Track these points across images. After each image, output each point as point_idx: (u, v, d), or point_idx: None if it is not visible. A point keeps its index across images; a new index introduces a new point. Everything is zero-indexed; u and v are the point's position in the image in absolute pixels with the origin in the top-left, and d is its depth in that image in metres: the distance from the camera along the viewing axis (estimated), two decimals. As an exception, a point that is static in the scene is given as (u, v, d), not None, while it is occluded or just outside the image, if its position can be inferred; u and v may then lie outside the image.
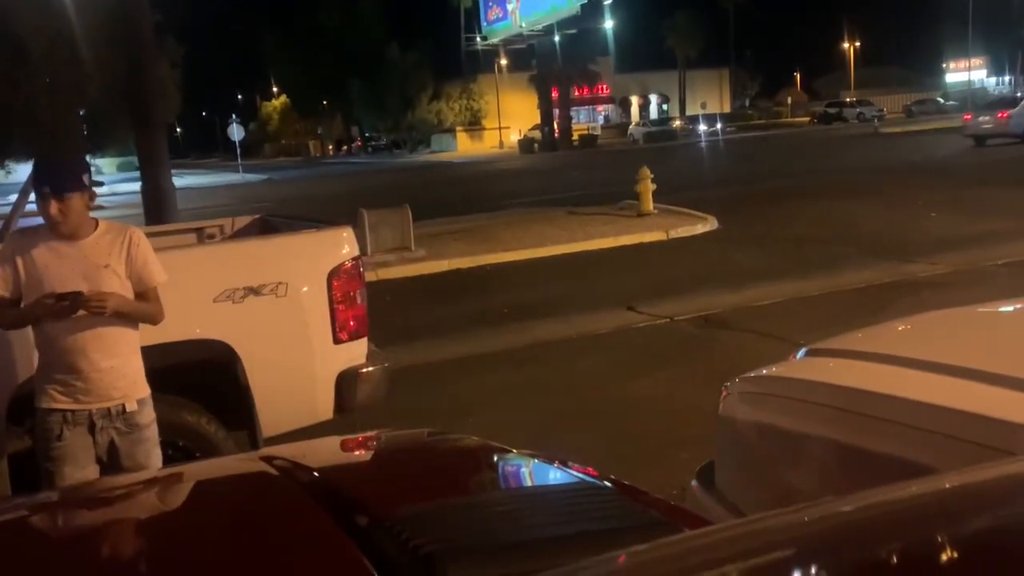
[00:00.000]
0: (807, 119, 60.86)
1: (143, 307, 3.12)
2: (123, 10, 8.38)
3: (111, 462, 3.10)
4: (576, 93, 58.43)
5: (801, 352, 2.74)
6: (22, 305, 3.01)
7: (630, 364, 6.60)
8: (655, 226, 13.48)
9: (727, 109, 70.42)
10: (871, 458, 2.02)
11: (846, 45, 76.39)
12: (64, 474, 3.02)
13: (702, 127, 55.01)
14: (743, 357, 5.69)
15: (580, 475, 1.84)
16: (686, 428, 4.73)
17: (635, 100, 71.86)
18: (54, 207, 2.91)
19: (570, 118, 54.04)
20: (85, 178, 2.98)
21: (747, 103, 76.98)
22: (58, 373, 3.05)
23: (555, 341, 7.40)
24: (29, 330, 3.12)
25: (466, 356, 7.12)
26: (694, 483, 2.84)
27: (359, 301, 4.02)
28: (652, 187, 14.59)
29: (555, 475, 1.91)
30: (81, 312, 2.94)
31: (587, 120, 62.03)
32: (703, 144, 44.64)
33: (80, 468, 3.04)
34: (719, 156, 35.50)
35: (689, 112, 66.12)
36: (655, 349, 7.00)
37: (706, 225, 13.46)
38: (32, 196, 3.19)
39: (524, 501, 1.76)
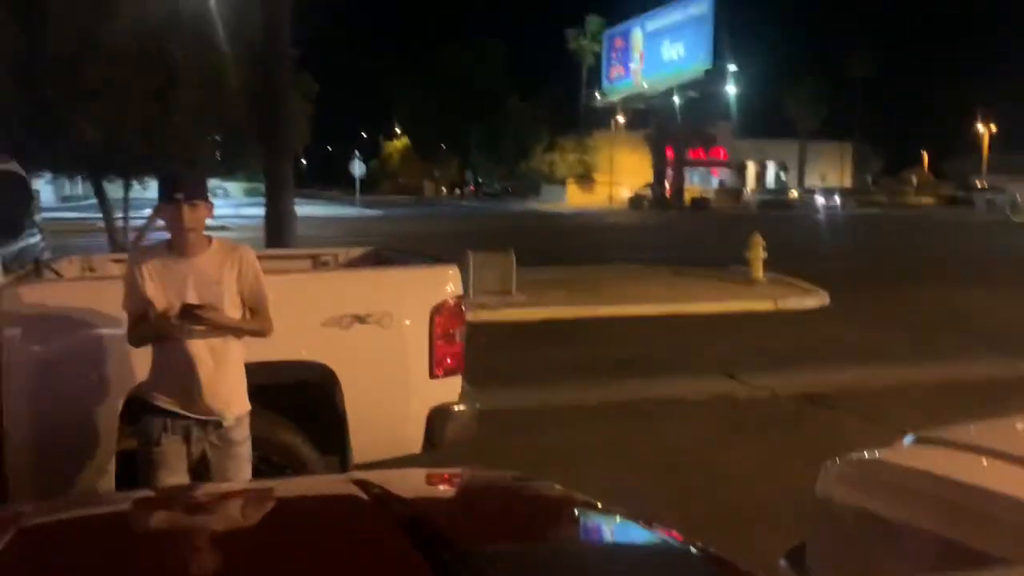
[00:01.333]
0: (933, 200, 58.52)
1: (251, 322, 3.24)
2: (266, 45, 8.90)
3: (202, 474, 3.20)
4: (691, 155, 58.18)
5: (909, 439, 2.63)
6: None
7: (725, 433, 6.42)
8: (763, 295, 13.17)
9: (848, 183, 68.55)
10: (972, 555, 1.91)
11: (980, 128, 73.42)
12: (157, 478, 3.14)
13: (820, 199, 53.61)
14: (844, 438, 5.46)
15: (663, 535, 1.80)
16: (777, 505, 4.55)
17: (752, 166, 70.89)
18: (186, 213, 3.05)
19: (683, 179, 53.79)
20: (207, 190, 3.16)
21: (870, 179, 74.71)
22: (165, 381, 3.19)
23: (650, 400, 7.28)
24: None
25: (557, 406, 7.08)
26: (783, 562, 2.73)
27: (458, 339, 4.07)
28: (763, 255, 14.30)
29: (636, 532, 1.87)
30: (197, 328, 3.08)
31: (701, 183, 61.56)
32: (820, 217, 43.48)
33: (173, 474, 3.15)
34: (836, 230, 34.48)
35: (807, 183, 64.70)
36: (753, 420, 6.80)
37: (817, 299, 13.05)
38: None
39: (605, 555, 1.73)
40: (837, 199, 53.46)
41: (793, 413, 7.04)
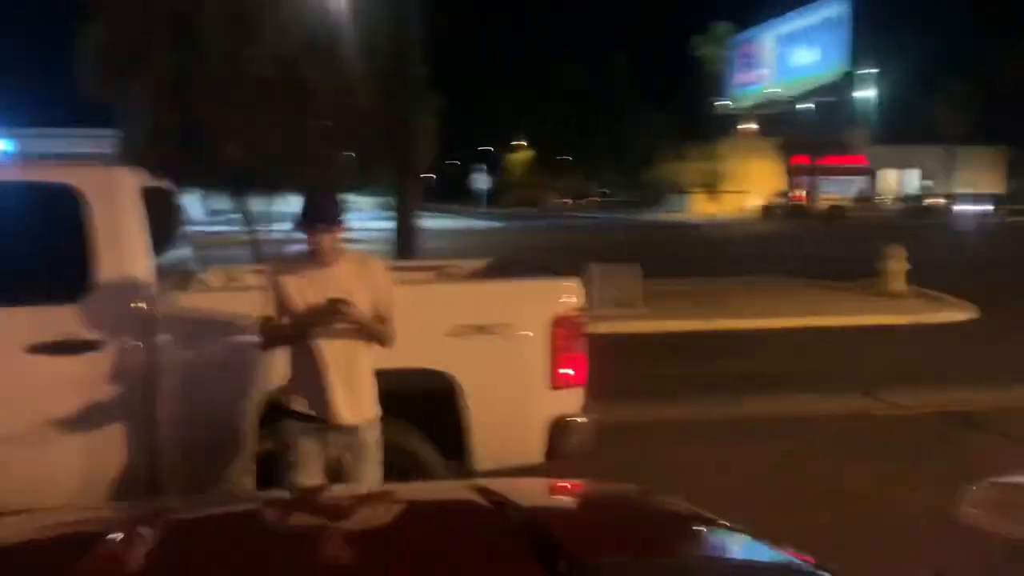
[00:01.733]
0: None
1: (380, 327, 3.38)
2: (396, 66, 9.23)
3: (335, 476, 3.35)
4: (826, 162, 55.98)
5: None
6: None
7: (859, 453, 6.13)
8: (904, 308, 12.52)
9: (999, 190, 64.13)
10: None
11: None
12: (295, 479, 3.31)
13: (968, 208, 50.40)
14: (991, 461, 5.08)
15: (789, 557, 1.74)
16: (914, 530, 4.31)
17: (892, 173, 67.43)
18: (327, 238, 3.26)
19: (817, 187, 51.82)
20: (342, 214, 3.33)
21: (1025, 186, 69.62)
22: (303, 385, 3.36)
23: (779, 417, 7.04)
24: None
25: (680, 420, 6.96)
26: (921, 591, 2.59)
27: (579, 351, 4.09)
28: (904, 266, 13.59)
29: (761, 552, 1.83)
30: (337, 320, 3.23)
31: (837, 191, 59.14)
32: (968, 226, 40.90)
33: (309, 476, 3.31)
34: (986, 240, 32.37)
35: (953, 191, 60.93)
36: (889, 440, 6.46)
37: (964, 312, 12.29)
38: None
39: (727, 572, 1.70)
40: (989, 207, 50.11)
41: (933, 433, 6.66)
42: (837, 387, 8.04)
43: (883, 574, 3.74)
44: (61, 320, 3.60)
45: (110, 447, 3.65)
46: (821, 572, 1.64)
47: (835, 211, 49.48)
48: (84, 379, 3.61)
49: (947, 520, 2.55)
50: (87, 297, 3.66)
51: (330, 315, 3.23)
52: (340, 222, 3.28)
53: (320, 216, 3.25)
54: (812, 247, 26.96)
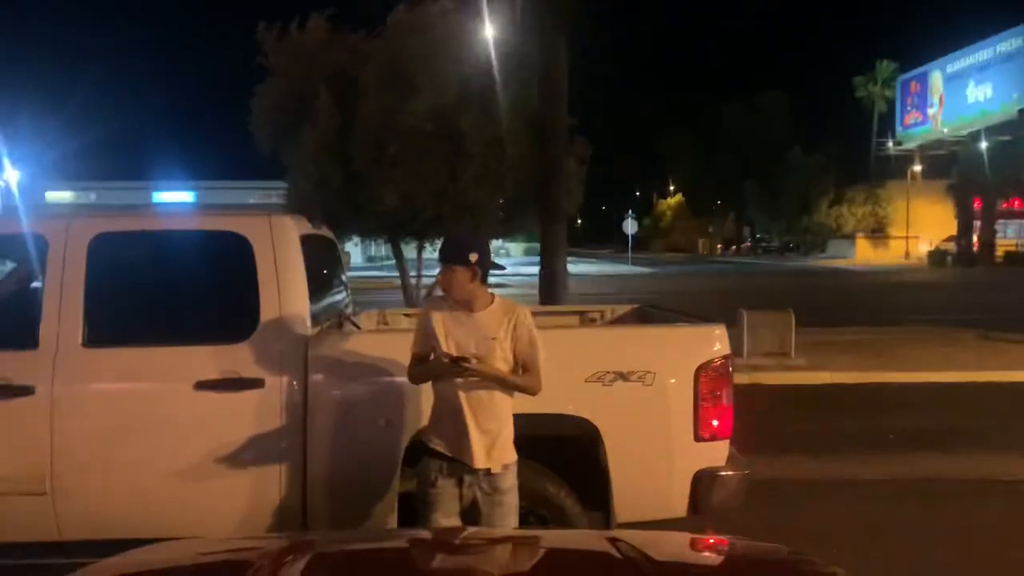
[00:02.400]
0: None
1: (521, 379, 3.40)
2: (543, 115, 9.40)
3: (470, 519, 3.37)
4: (1004, 205, 52.01)
5: None
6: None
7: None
8: (1094, 364, 11.35)
9: None
10: None
11: None
12: (432, 519, 3.35)
13: None
14: None
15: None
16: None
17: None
18: (443, 275, 3.37)
19: (994, 232, 48.19)
20: (472, 256, 3.34)
21: None
22: (444, 427, 3.42)
23: (949, 480, 6.50)
24: (429, 385, 3.56)
25: (837, 479, 6.55)
26: None
27: (725, 401, 3.95)
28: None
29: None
30: (463, 377, 3.29)
31: (1016, 235, 54.75)
32: None
33: (446, 516, 3.34)
34: None
35: None
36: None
37: None
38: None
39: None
40: None
41: None
42: (1015, 448, 7.34)
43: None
44: (226, 359, 3.85)
45: (266, 481, 3.84)
46: None
47: (1014, 257, 45.75)
48: (244, 415, 3.83)
49: None
50: (250, 337, 3.90)
51: (454, 371, 3.28)
52: (458, 262, 3.32)
53: (446, 254, 3.35)
54: (985, 295, 25.00)
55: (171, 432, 3.86)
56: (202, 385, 3.81)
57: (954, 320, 16.51)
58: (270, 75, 10.04)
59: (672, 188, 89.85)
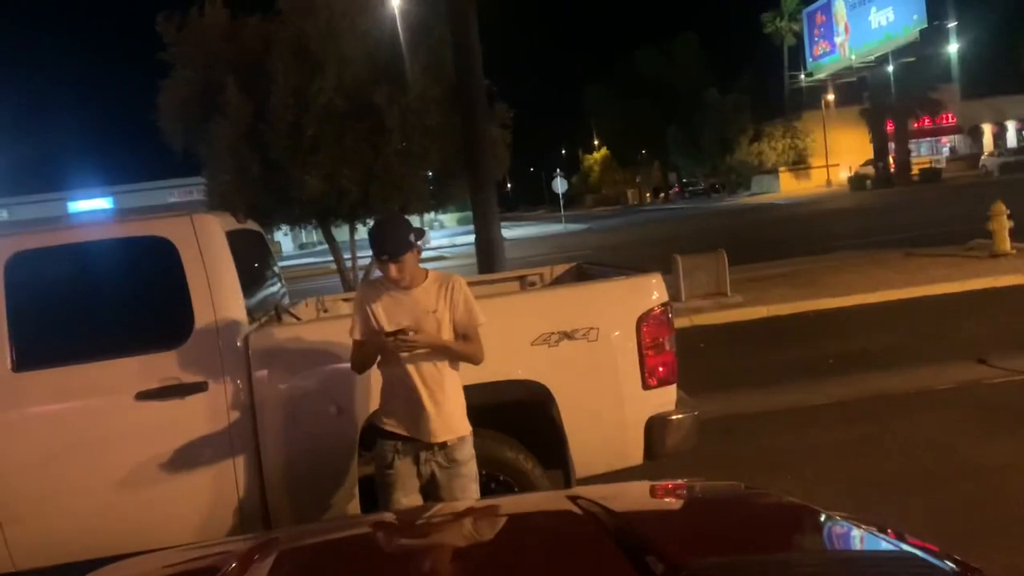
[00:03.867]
0: None
1: (463, 347, 3.41)
2: (461, 83, 9.32)
3: (431, 493, 3.40)
4: (915, 125, 53.64)
5: None
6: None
7: (979, 425, 5.83)
8: (1012, 269, 11.87)
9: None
10: None
11: None
12: (393, 499, 3.36)
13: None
14: None
15: (906, 546, 1.66)
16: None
17: (987, 128, 64.15)
18: (393, 269, 3.30)
19: (909, 152, 49.68)
20: (411, 237, 3.33)
21: None
22: (396, 407, 3.42)
23: (888, 396, 6.77)
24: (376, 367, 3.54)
25: (784, 408, 6.76)
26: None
27: (668, 347, 4.03)
28: (1009, 224, 12.90)
29: (876, 543, 1.75)
30: (403, 351, 3.28)
31: (929, 153, 56.61)
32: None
33: (407, 495, 3.36)
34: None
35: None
36: (1011, 409, 6.12)
37: (1079, 266, 11.58)
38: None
39: (832, 567, 1.64)
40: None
41: (1061, 398, 6.28)
42: (948, 358, 7.68)
43: (1008, 554, 3.54)
44: (165, 366, 3.77)
45: (223, 484, 3.79)
46: (944, 562, 1.56)
47: (928, 175, 47.36)
48: (191, 421, 3.77)
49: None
50: (186, 341, 3.82)
51: (395, 346, 3.27)
52: (406, 249, 3.28)
53: (383, 249, 3.29)
54: (904, 214, 25.88)
55: (118, 447, 3.77)
56: (143, 395, 3.73)
57: (879, 242, 17.08)
58: (174, 68, 9.73)
59: (597, 143, 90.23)
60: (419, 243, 3.38)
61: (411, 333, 3.25)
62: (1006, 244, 12.92)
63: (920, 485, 4.82)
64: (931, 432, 5.79)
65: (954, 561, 1.55)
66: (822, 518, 1.86)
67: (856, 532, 1.78)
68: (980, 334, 8.56)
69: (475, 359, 3.44)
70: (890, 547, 1.69)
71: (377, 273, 3.60)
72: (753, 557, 1.52)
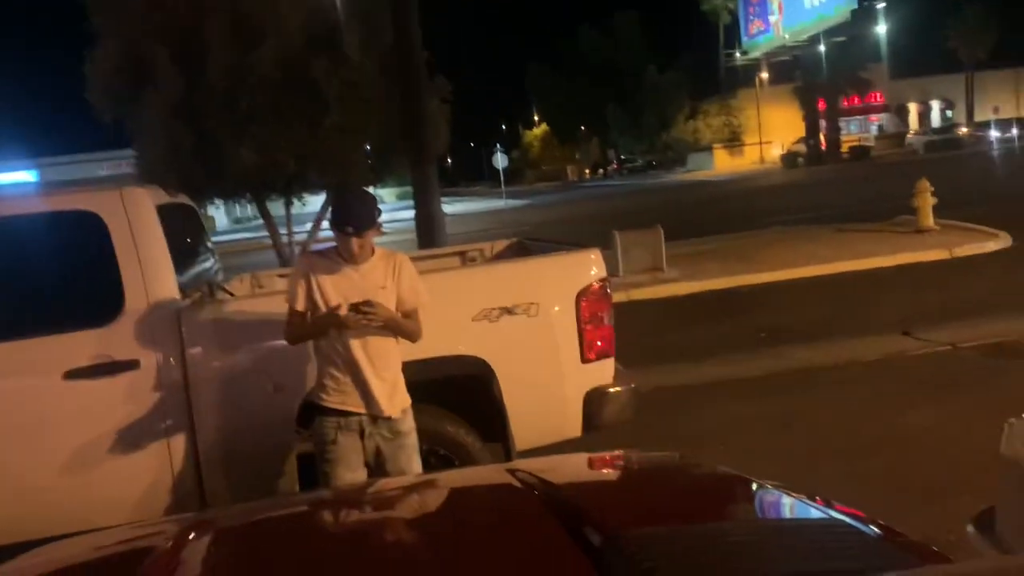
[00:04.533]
0: None
1: (406, 324, 3.41)
2: (399, 56, 9.19)
3: (376, 466, 3.40)
4: (845, 103, 54.96)
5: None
6: (308, 319, 3.40)
7: (903, 395, 6.06)
8: (936, 243, 12.31)
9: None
10: None
11: None
12: (337, 475, 3.35)
13: (994, 134, 49.20)
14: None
15: (834, 512, 1.73)
16: (966, 468, 4.27)
17: (913, 107, 66.10)
18: (355, 244, 3.25)
19: (839, 130, 50.94)
20: (377, 213, 3.31)
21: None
22: (340, 382, 3.39)
23: (817, 368, 6.98)
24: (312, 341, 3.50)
25: (718, 380, 6.93)
26: (971, 529, 2.57)
27: (606, 322, 4.08)
28: (933, 200, 13.35)
29: (805, 510, 1.81)
30: (363, 324, 3.25)
31: (858, 131, 58.08)
32: (995, 153, 40.03)
33: (351, 470, 3.35)
34: (1014, 166, 31.65)
35: (978, 118, 59.47)
36: (933, 379, 6.38)
37: (998, 242, 12.06)
38: (325, 225, 3.56)
39: (768, 534, 1.69)
40: (1014, 131, 48.89)
41: (977, 367, 6.56)
42: (874, 330, 7.95)
43: (935, 516, 3.71)
44: (95, 344, 3.67)
45: (157, 464, 3.72)
46: (870, 527, 1.62)
47: (857, 152, 48.65)
48: (123, 399, 3.68)
49: (995, 457, 2.51)
50: (117, 318, 3.72)
51: (357, 319, 3.25)
52: (374, 226, 3.25)
53: (350, 220, 3.22)
54: (835, 191, 26.58)
55: (47, 428, 3.66)
56: (72, 374, 3.62)
57: (810, 218, 17.51)
58: (101, 38, 9.36)
59: (537, 118, 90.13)
60: (381, 224, 3.35)
61: (374, 307, 3.23)
62: (929, 220, 13.38)
63: (846, 453, 4.99)
64: (857, 402, 6.00)
65: (879, 526, 1.61)
66: (754, 487, 1.92)
67: (787, 500, 1.84)
68: (905, 307, 8.87)
69: (415, 337, 3.44)
70: (819, 514, 1.75)
71: (316, 247, 3.55)
72: (688, 526, 1.56)
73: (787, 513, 1.83)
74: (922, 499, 4.16)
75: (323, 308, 3.31)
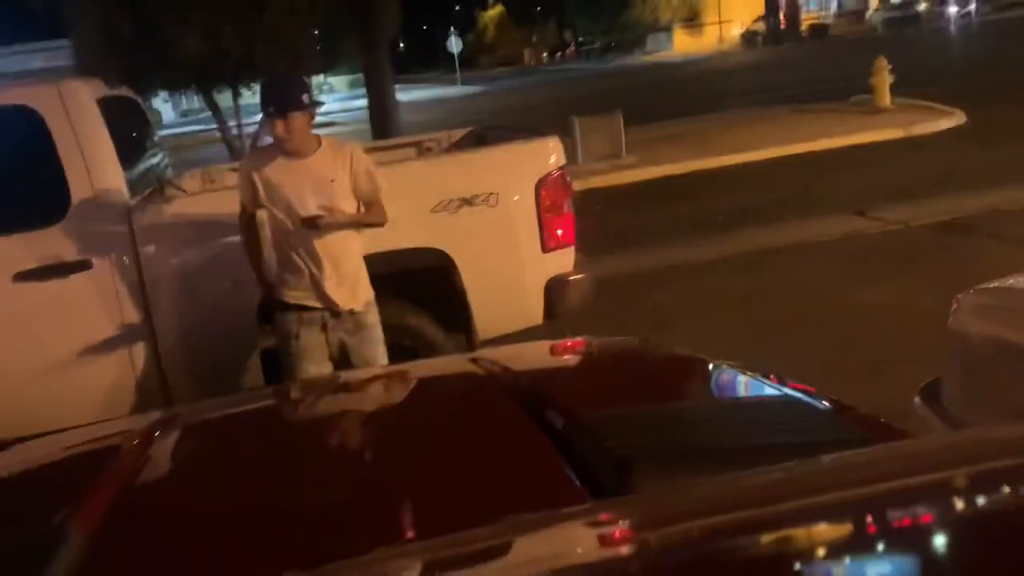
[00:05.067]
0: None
1: (369, 215, 3.36)
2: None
3: (342, 360, 3.42)
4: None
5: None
6: (260, 218, 3.34)
7: (857, 273, 6.21)
8: (892, 123, 12.37)
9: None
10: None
11: None
12: (302, 369, 3.37)
13: (952, 9, 48.82)
14: (985, 266, 5.16)
15: (787, 389, 1.78)
16: (915, 341, 4.42)
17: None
18: (279, 126, 3.14)
19: (798, 7, 50.06)
20: (305, 97, 3.18)
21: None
22: (300, 278, 3.36)
23: (774, 249, 7.09)
24: (269, 238, 3.45)
25: (677, 264, 7.01)
26: (917, 399, 2.68)
27: (566, 210, 4.07)
28: (890, 79, 13.33)
29: (760, 388, 1.87)
30: (324, 232, 3.21)
31: (818, 8, 57.19)
32: (953, 29, 39.83)
33: (316, 364, 3.37)
34: (972, 42, 31.57)
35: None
36: (886, 257, 6.53)
37: (952, 120, 12.15)
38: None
39: (724, 412, 1.74)
40: (972, 6, 48.54)
41: (929, 244, 6.72)
42: (830, 210, 8.05)
43: (886, 388, 3.85)
44: (42, 245, 3.58)
45: (118, 365, 3.70)
46: (821, 402, 1.68)
47: (817, 30, 48.05)
48: (76, 301, 3.62)
49: (944, 328, 2.59)
50: (64, 218, 3.61)
51: (310, 230, 3.19)
52: (294, 109, 3.13)
53: (271, 102, 3.12)
54: (793, 71, 26.35)
55: (1, 331, 3.61)
56: (21, 276, 3.54)
57: (768, 99, 17.42)
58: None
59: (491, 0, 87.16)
60: (312, 109, 3.24)
61: (326, 216, 3.17)
62: (886, 99, 13.39)
63: (800, 329, 5.14)
64: (812, 281, 6.14)
65: (830, 401, 1.67)
66: (711, 367, 1.97)
67: (742, 379, 1.89)
68: (860, 187, 8.98)
69: (380, 224, 3.40)
70: (773, 391, 1.80)
71: (267, 140, 3.45)
72: (647, 407, 1.60)
73: (743, 391, 1.89)
74: (871, 370, 4.32)
75: (272, 206, 3.25)
